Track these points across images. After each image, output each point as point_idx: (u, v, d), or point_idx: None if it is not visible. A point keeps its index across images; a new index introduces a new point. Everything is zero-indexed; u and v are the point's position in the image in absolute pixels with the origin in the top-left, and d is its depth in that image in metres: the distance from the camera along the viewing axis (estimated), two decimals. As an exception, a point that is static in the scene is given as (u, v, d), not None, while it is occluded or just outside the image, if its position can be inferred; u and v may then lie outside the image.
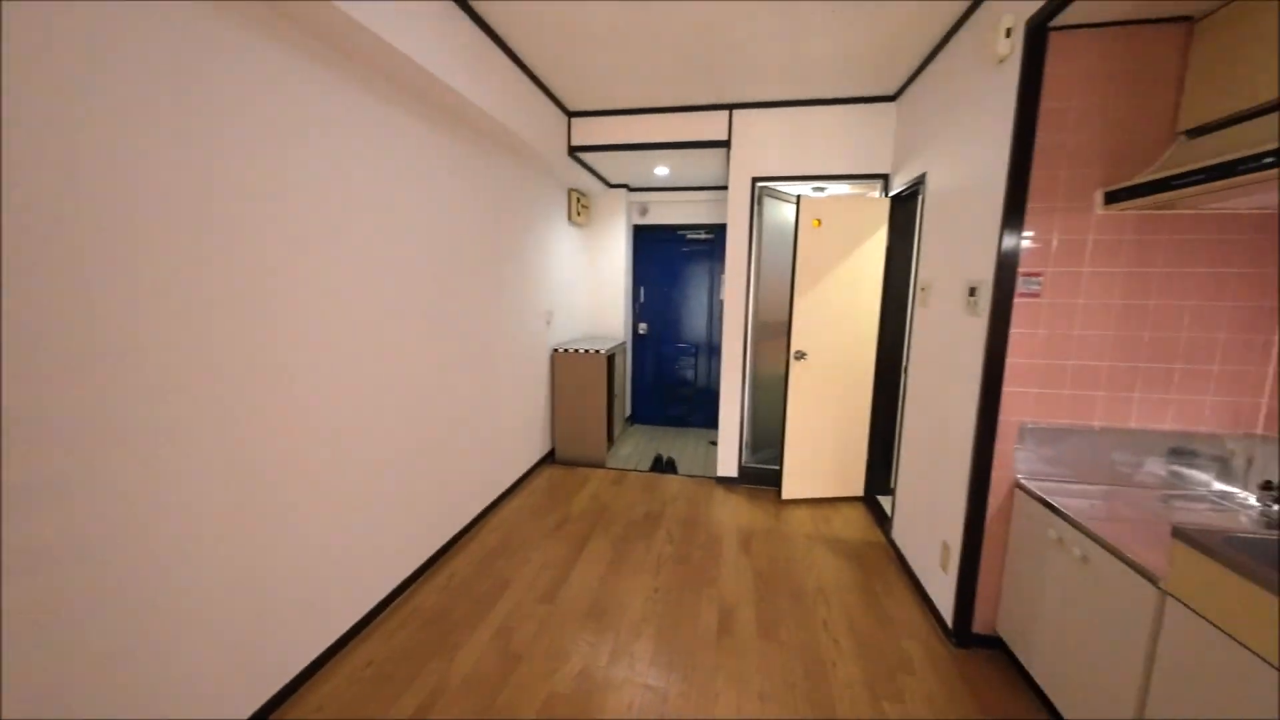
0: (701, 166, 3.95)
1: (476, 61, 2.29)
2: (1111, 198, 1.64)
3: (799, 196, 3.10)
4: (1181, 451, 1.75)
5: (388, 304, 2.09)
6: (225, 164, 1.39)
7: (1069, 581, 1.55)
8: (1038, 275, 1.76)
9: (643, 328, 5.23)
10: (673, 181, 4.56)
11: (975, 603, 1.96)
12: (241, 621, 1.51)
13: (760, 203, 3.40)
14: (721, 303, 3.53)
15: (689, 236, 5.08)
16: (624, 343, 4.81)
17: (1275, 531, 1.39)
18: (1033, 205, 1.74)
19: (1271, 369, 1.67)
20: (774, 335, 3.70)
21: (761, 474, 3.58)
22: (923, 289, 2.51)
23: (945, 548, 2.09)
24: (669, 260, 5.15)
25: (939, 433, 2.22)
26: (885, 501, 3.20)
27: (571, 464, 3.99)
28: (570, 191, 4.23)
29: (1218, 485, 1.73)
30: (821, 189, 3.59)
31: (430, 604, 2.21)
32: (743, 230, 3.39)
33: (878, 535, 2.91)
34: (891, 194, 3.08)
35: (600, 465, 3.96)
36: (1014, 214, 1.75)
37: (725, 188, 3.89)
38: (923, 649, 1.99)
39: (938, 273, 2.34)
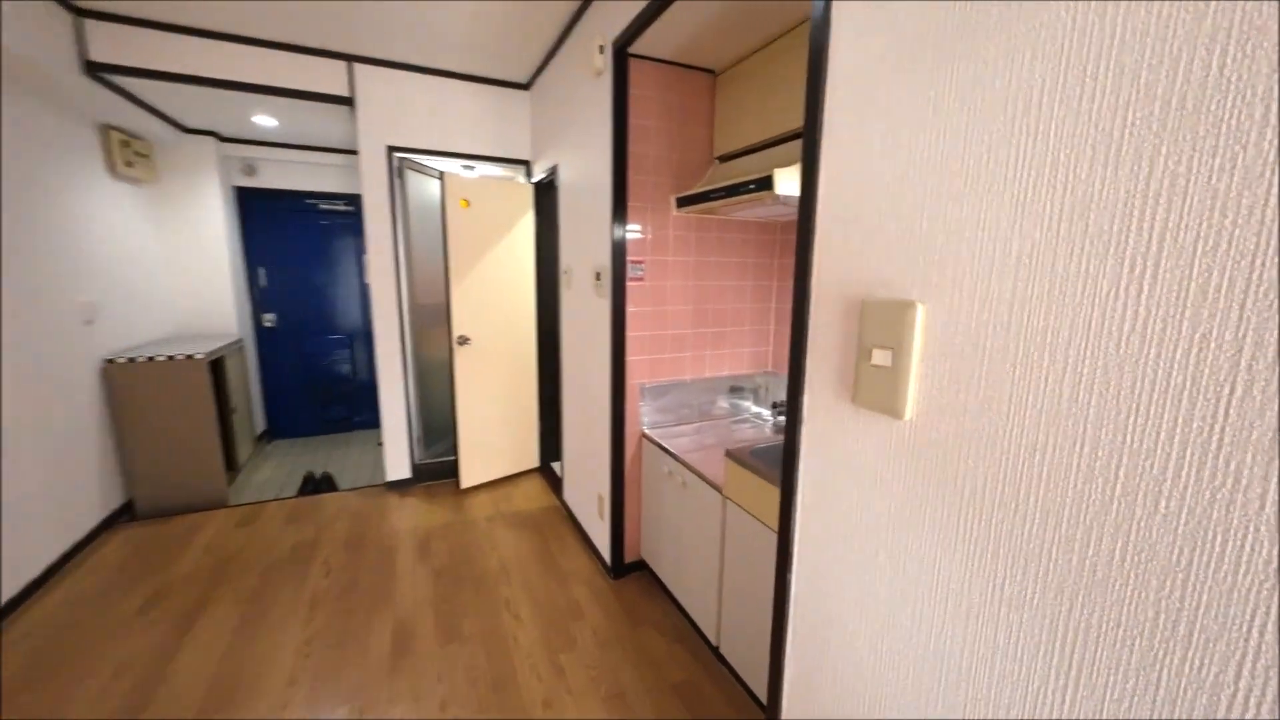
0: (327, 123, 3.32)
1: None
2: (680, 202, 2.10)
3: (442, 173, 2.95)
4: (734, 389, 2.46)
5: None
6: None
7: (678, 503, 2.01)
8: (641, 262, 2.14)
9: (270, 319, 4.20)
10: (289, 137, 3.71)
11: (624, 538, 2.35)
12: None
13: (402, 175, 3.09)
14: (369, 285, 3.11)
15: (324, 207, 4.28)
16: (239, 340, 3.76)
17: (777, 438, 2.10)
18: (633, 204, 2.08)
19: (771, 327, 2.50)
20: (437, 320, 3.50)
21: (438, 468, 3.41)
22: (565, 272, 2.76)
23: (600, 498, 2.42)
24: (301, 235, 4.24)
25: (588, 400, 2.52)
26: (558, 467, 3.51)
27: (168, 514, 2.93)
28: (109, 131, 2.94)
29: (754, 408, 2.51)
30: (470, 168, 3.52)
31: None
32: (383, 205, 3.03)
33: (552, 500, 3.16)
34: (534, 181, 3.25)
35: (220, 505, 3.04)
36: (620, 210, 2.06)
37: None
38: (589, 590, 2.28)
39: (575, 258, 2.60)
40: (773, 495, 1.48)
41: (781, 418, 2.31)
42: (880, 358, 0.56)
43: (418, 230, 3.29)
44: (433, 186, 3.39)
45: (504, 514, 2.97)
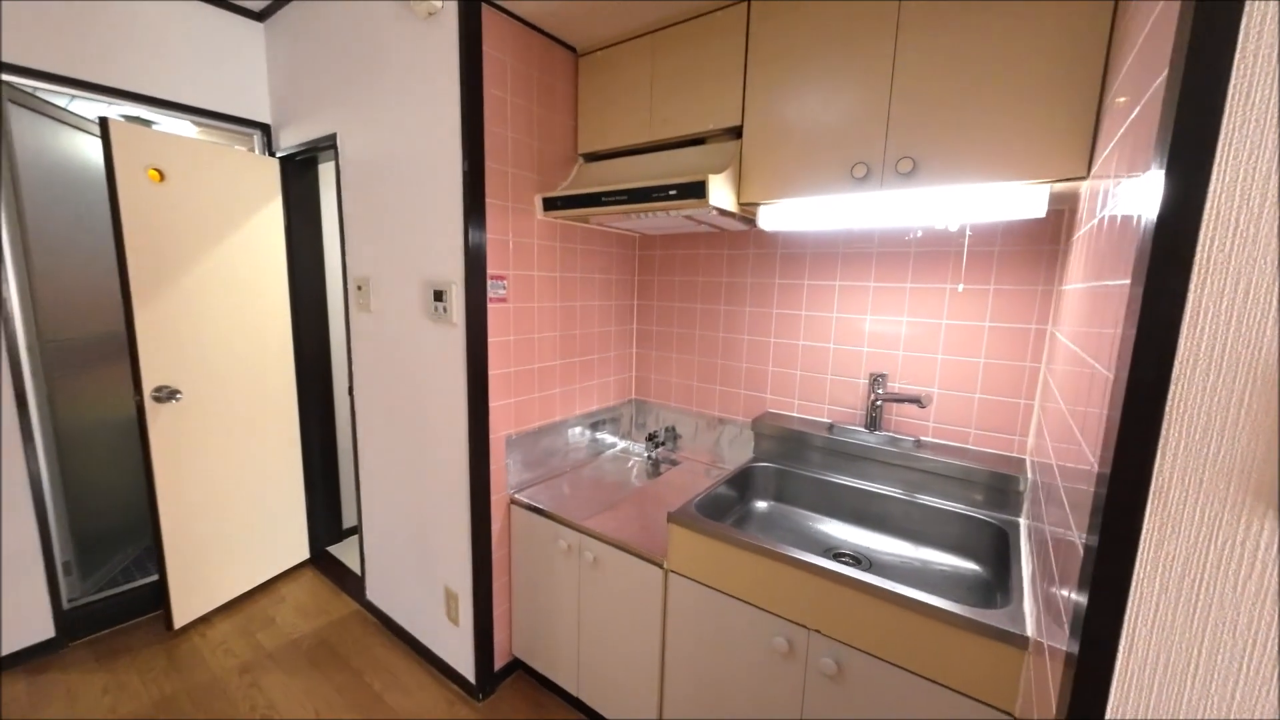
0: None
1: None
2: (548, 204, 1.68)
3: (105, 120, 1.78)
4: (601, 423, 2.14)
5: None
6: None
7: (582, 585, 1.58)
8: (503, 278, 1.64)
9: None
10: None
11: (494, 640, 1.77)
12: None
13: None
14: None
15: None
16: None
17: (681, 479, 1.87)
18: (491, 201, 1.57)
19: (634, 350, 2.26)
20: (97, 359, 2.16)
21: (120, 604, 2.08)
22: (358, 288, 1.97)
23: (451, 595, 1.78)
24: None
25: (419, 465, 1.84)
26: (343, 551, 2.57)
27: None
28: None
29: (622, 442, 2.23)
30: (148, 122, 2.27)
31: None
32: (-40, 162, 1.66)
33: (347, 604, 2.26)
34: (280, 154, 2.28)
35: None
36: (476, 207, 1.53)
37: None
38: (453, 730, 1.64)
39: (380, 269, 1.87)
40: (738, 559, 1.24)
41: (661, 449, 2.10)
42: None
43: (46, 213, 1.95)
44: (83, 144, 2.06)
45: (271, 651, 1.96)
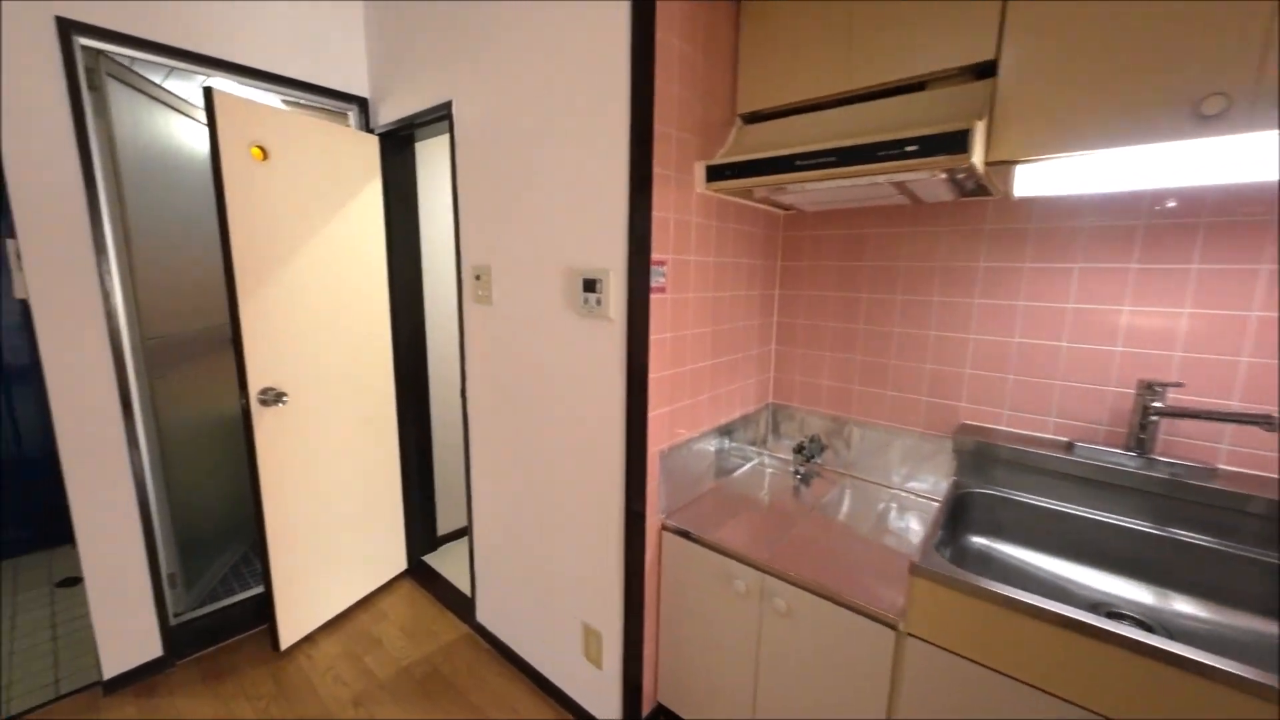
0: None
1: None
2: (713, 174, 1.38)
3: (210, 90, 1.59)
4: (733, 431, 1.84)
5: None
6: None
7: (767, 635, 1.31)
8: (663, 264, 1.36)
9: None
10: None
11: (643, 685, 1.53)
12: None
13: (100, 88, 1.60)
14: (25, 304, 1.53)
15: None
16: None
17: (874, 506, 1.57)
18: (656, 170, 1.29)
19: (773, 347, 1.96)
20: (198, 352, 2.03)
21: (222, 623, 1.94)
22: (476, 277, 1.75)
23: (591, 633, 1.55)
24: None
25: (548, 480, 1.61)
26: (439, 561, 2.39)
27: None
28: None
29: (760, 453, 1.94)
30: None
31: None
32: (58, 146, 1.50)
33: (454, 625, 2.07)
34: (379, 131, 2.07)
35: None
36: (644, 181, 1.26)
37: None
38: (603, 794, 1.41)
39: (505, 255, 1.64)
40: (1027, 631, 0.93)
41: (814, 461, 1.80)
42: None
43: (145, 199, 1.80)
44: (174, 124, 1.91)
45: (382, 680, 1.78)
